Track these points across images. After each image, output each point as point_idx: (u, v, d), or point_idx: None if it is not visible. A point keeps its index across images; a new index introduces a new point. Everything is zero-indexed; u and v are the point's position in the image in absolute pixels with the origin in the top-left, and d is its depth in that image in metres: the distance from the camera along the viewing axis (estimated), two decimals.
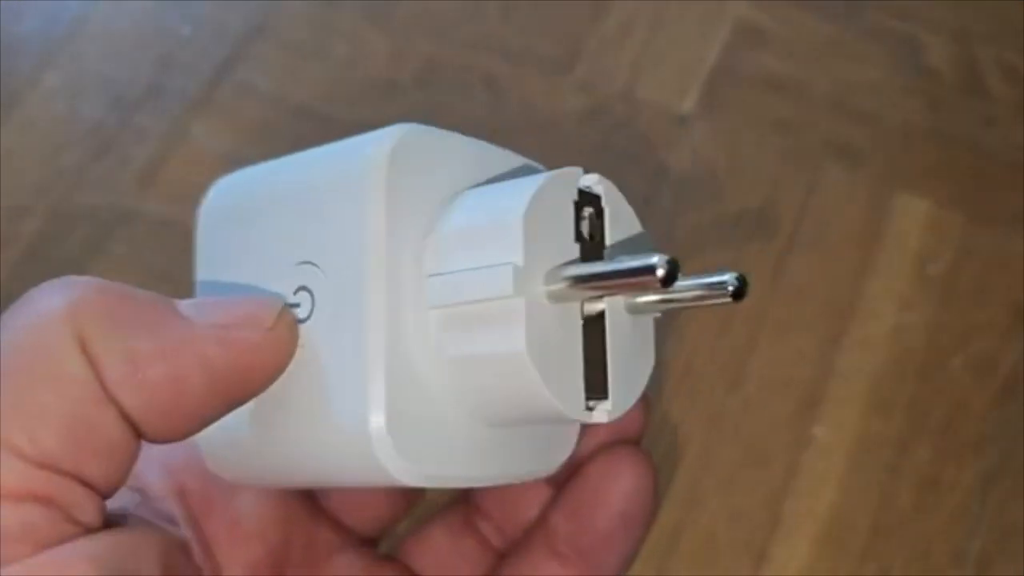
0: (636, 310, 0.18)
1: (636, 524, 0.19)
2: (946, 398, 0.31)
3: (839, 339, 0.32)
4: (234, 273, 0.19)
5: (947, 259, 0.33)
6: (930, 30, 0.37)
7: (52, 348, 0.15)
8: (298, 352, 0.18)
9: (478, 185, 0.18)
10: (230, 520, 0.20)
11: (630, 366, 0.18)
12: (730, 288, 0.17)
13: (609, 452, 0.20)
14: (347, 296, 0.17)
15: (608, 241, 0.18)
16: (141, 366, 0.15)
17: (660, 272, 0.16)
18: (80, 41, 0.37)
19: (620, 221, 0.19)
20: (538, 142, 0.31)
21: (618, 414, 0.18)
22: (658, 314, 0.19)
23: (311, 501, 0.22)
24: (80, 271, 0.35)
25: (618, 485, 0.19)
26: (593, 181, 0.18)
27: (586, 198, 0.18)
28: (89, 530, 0.15)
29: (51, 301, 0.15)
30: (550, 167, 0.19)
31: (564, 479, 0.20)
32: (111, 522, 0.16)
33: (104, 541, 0.15)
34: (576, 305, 0.17)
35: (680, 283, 0.17)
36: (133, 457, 0.16)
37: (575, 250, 0.18)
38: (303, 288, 0.18)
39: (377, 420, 0.17)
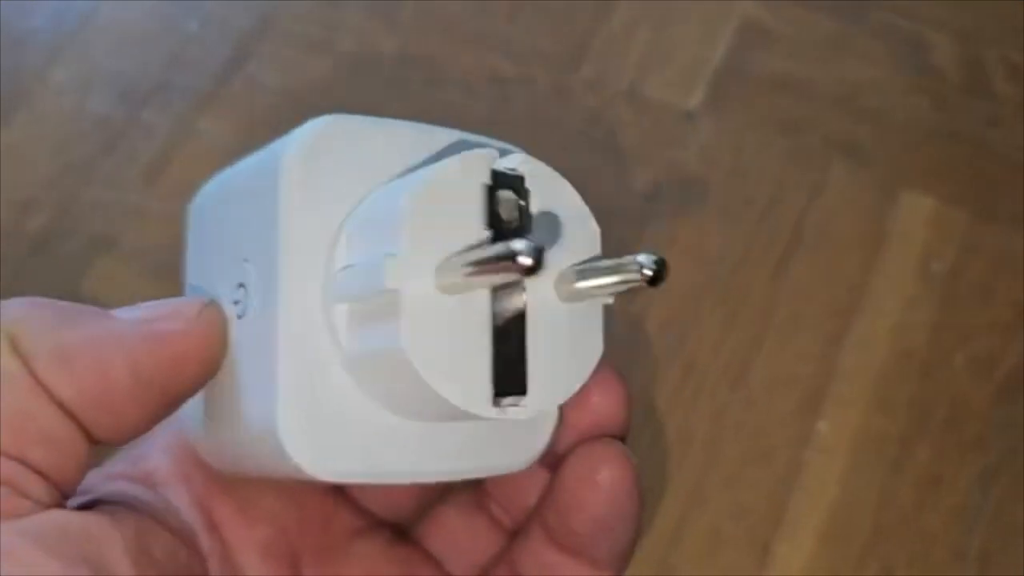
0: (573, 297, 0.17)
1: (617, 523, 0.19)
2: (948, 396, 0.31)
3: (842, 337, 0.32)
4: (202, 273, 0.20)
5: (951, 257, 0.33)
6: (935, 30, 0.37)
7: None
8: (235, 348, 0.18)
9: (408, 171, 0.18)
10: (238, 503, 0.20)
11: (564, 357, 0.17)
12: (647, 273, 0.16)
13: (583, 453, 0.19)
14: (265, 293, 0.17)
15: (546, 221, 0.17)
16: (67, 357, 0.16)
17: (523, 260, 0.14)
18: (88, 37, 0.37)
19: (554, 199, 0.17)
20: (544, 140, 0.31)
21: (544, 408, 0.17)
22: (608, 300, 0.17)
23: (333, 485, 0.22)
24: (87, 265, 0.35)
25: (593, 493, 0.19)
26: (518, 162, 0.17)
27: (506, 180, 0.17)
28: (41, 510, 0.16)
29: None
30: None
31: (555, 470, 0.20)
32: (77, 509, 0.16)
33: (54, 519, 0.15)
34: (483, 296, 0.16)
35: (596, 264, 0.16)
36: (83, 453, 0.16)
37: (487, 237, 0.16)
38: (242, 285, 0.18)
39: (283, 416, 0.17)
